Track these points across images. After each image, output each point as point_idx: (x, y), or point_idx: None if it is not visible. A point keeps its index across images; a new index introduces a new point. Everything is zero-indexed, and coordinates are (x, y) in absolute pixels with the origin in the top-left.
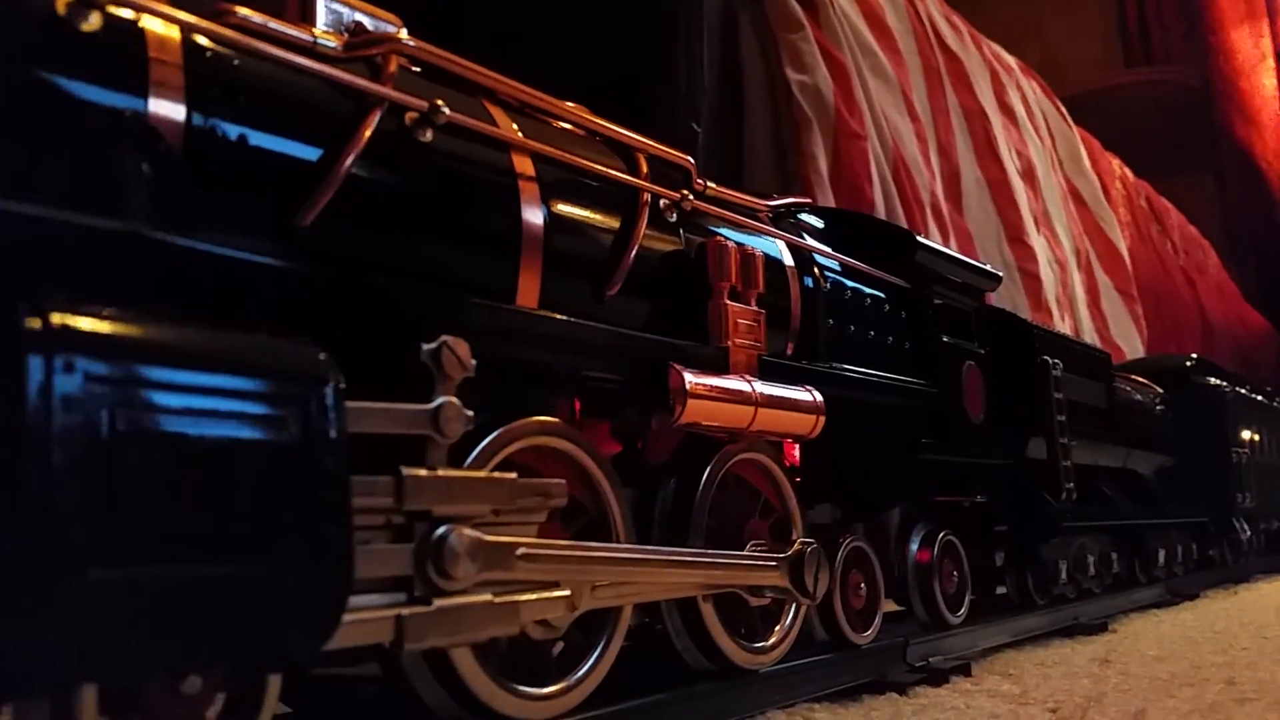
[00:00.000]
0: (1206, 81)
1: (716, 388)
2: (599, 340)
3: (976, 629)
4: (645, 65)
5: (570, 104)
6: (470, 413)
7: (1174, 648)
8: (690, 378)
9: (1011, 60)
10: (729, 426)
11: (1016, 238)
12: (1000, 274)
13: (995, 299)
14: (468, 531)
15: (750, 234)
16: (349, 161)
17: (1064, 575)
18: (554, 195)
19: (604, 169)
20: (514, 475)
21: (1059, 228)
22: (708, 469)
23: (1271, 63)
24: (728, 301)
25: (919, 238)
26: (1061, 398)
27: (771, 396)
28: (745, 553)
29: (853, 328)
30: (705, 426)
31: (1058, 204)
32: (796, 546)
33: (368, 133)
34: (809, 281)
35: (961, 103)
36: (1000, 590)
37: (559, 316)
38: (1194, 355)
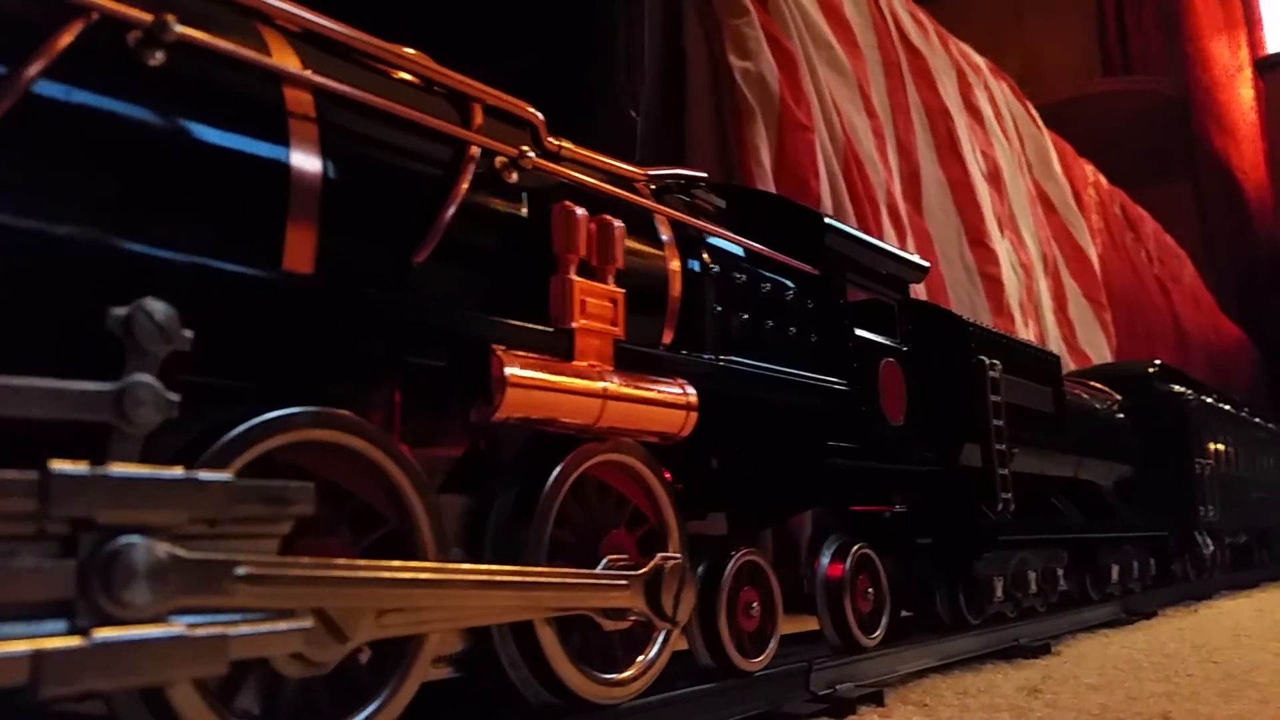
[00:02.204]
0: (1184, 91)
1: (550, 376)
2: (397, 315)
3: (896, 652)
4: (582, 51)
5: (410, 50)
6: (174, 396)
7: (1115, 674)
8: (515, 363)
9: (980, 60)
10: (567, 421)
11: (978, 240)
12: (927, 265)
13: (955, 302)
14: (161, 546)
15: (620, 205)
16: (29, 75)
17: (1000, 593)
18: (342, 141)
19: (416, 115)
20: (228, 476)
21: (1025, 232)
22: (555, 473)
23: (1249, 73)
24: (574, 277)
25: (828, 219)
26: (1000, 401)
27: (627, 389)
28: (586, 570)
29: (748, 317)
30: (538, 421)
31: (1024, 208)
32: (654, 562)
33: (63, 44)
34: (694, 264)
35: (923, 100)
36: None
37: (343, 285)
38: (1158, 361)
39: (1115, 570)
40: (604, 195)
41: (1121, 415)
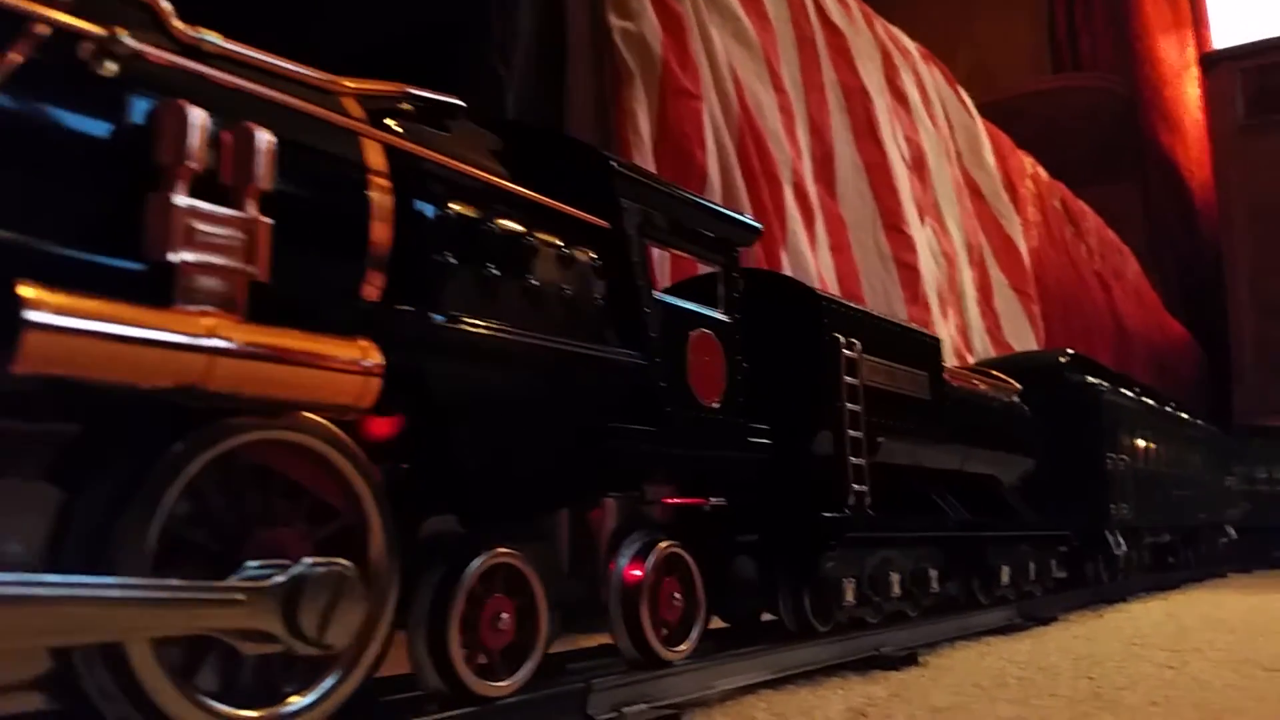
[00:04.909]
0: (1133, 88)
1: (111, 322)
2: None
3: (712, 666)
4: (456, 9)
5: None
6: None
7: (971, 693)
8: (48, 303)
9: (911, 44)
10: (150, 384)
11: (894, 226)
12: (759, 226)
13: (868, 289)
14: None
15: (301, 119)
16: None
17: (851, 596)
18: None
19: None
20: None
21: (950, 220)
22: (170, 453)
23: (1195, 71)
24: (180, 197)
25: (617, 163)
26: (857, 384)
27: (256, 345)
28: (162, 582)
29: (501, 274)
30: (105, 381)
31: (950, 196)
32: (297, 570)
33: None
34: (423, 205)
35: (841, 79)
36: None
37: None
38: (1070, 351)
39: (1006, 572)
40: (273, 105)
41: (1023, 406)
